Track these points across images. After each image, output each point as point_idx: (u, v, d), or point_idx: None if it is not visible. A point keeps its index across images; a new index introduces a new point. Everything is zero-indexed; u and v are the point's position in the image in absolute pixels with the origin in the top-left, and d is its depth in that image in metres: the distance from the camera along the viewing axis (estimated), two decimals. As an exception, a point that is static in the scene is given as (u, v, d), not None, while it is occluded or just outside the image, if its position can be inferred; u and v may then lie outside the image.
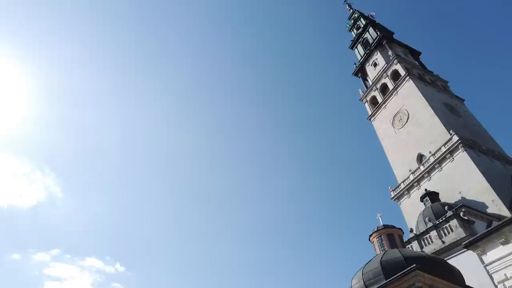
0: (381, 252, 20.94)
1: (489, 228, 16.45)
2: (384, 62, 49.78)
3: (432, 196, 32.04)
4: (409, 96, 42.24)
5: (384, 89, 48.06)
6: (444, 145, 34.17)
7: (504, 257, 14.35)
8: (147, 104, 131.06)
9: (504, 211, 27.04)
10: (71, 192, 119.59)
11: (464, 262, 20.53)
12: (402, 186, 37.47)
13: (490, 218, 26.96)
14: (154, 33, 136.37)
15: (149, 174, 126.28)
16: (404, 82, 43.63)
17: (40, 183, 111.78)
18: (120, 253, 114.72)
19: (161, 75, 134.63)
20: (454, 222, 24.55)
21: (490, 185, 29.11)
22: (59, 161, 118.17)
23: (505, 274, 14.32)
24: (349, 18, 65.64)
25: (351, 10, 66.02)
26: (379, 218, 25.92)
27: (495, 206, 28.10)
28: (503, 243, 14.52)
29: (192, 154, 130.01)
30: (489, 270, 15.18)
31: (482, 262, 15.89)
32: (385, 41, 52.22)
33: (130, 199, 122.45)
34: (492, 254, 14.83)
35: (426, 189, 33.27)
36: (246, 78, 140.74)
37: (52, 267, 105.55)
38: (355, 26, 62.42)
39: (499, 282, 14.68)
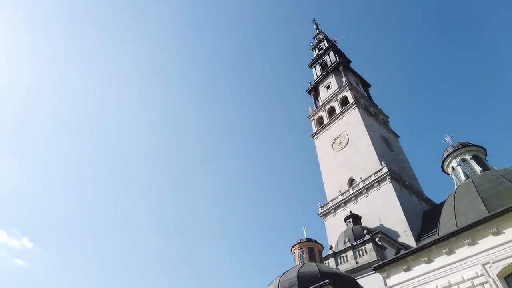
0: (300, 263, 22.05)
1: (396, 255, 18.22)
2: (337, 87, 52.45)
3: (355, 218, 34.10)
4: (352, 123, 44.88)
5: (331, 111, 50.55)
6: (374, 174, 36.82)
7: (404, 282, 16.03)
8: (94, 73, 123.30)
9: (411, 242, 29.98)
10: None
11: (371, 283, 22.39)
12: (330, 204, 39.53)
13: (400, 246, 29.76)
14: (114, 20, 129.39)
15: (84, 151, 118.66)
16: (351, 109, 46.34)
17: None
18: (31, 228, 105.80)
19: (113, 44, 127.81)
20: (369, 246, 26.72)
21: (405, 217, 32.02)
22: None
23: (402, 298, 15.97)
24: (314, 38, 68.42)
25: (317, 30, 68.91)
26: (304, 231, 27.23)
27: (406, 236, 31.04)
28: (405, 270, 16.21)
29: (131, 140, 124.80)
30: (389, 293, 16.78)
31: (386, 284, 17.47)
32: (341, 67, 55.12)
33: (55, 172, 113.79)
34: (395, 279, 16.44)
35: (351, 211, 35.51)
36: (201, 77, 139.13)
37: None
38: (318, 46, 65.14)
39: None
